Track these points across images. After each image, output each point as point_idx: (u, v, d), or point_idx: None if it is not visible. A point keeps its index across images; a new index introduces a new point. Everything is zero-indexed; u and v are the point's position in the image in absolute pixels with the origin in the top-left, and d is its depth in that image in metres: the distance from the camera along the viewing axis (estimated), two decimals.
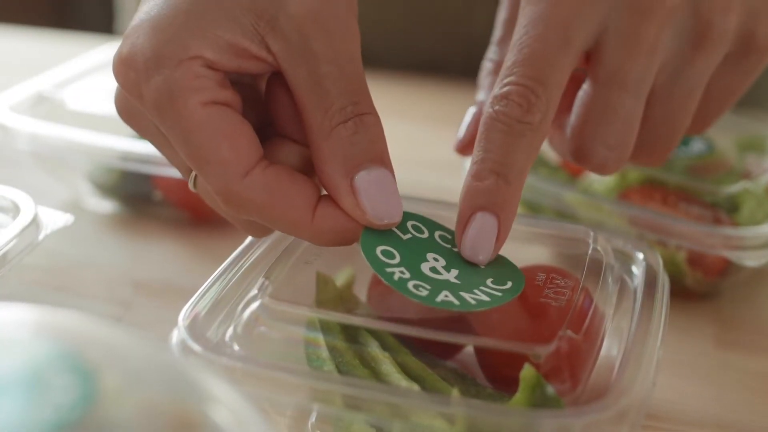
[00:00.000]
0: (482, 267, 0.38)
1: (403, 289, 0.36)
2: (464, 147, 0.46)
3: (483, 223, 0.37)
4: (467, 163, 0.51)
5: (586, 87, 0.41)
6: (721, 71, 0.43)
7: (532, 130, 0.38)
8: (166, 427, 0.27)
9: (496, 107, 0.38)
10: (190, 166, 0.37)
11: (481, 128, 0.38)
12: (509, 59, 0.39)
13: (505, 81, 0.39)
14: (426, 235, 0.39)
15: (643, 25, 0.40)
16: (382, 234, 0.38)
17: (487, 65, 0.48)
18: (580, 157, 0.41)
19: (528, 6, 0.40)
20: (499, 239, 0.38)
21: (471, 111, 0.46)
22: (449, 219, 0.42)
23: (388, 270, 0.37)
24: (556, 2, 0.39)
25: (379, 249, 0.37)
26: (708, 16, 0.41)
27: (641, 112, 0.41)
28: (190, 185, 0.40)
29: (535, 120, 0.38)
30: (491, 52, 0.48)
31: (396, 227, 0.38)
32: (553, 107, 0.39)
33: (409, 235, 0.39)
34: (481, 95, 0.47)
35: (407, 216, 0.39)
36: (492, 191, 0.37)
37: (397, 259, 0.37)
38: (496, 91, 0.39)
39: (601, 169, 0.42)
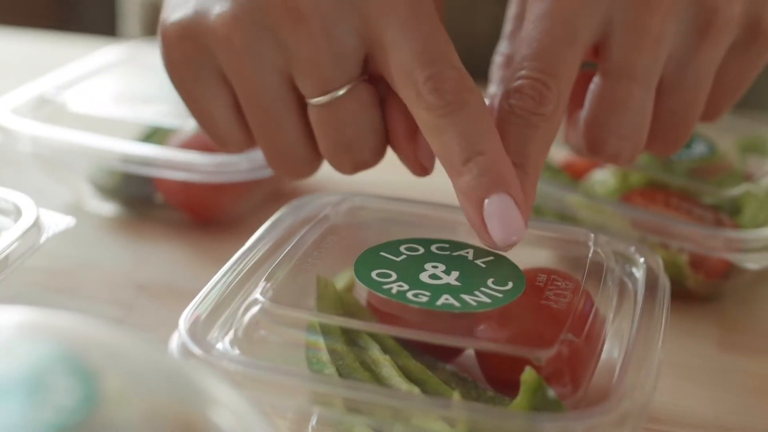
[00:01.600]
0: (484, 267, 0.39)
1: (403, 299, 0.36)
2: None
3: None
4: None
5: (596, 80, 0.42)
6: (730, 59, 0.44)
7: (545, 120, 0.39)
8: (168, 429, 0.27)
9: (510, 101, 0.39)
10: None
11: (496, 122, 0.39)
12: (519, 54, 0.40)
13: (517, 75, 0.40)
14: (422, 251, 0.40)
15: (647, 15, 0.40)
16: (375, 260, 0.39)
17: (497, 59, 0.49)
18: (595, 148, 0.42)
19: (535, 2, 0.41)
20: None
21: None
22: (450, 220, 0.43)
23: (386, 287, 0.37)
24: None
25: (374, 273, 0.38)
26: (712, 3, 0.41)
27: (651, 101, 0.42)
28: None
29: (548, 111, 0.39)
30: (502, 46, 0.50)
31: (388, 253, 0.40)
32: (565, 99, 0.40)
33: (403, 257, 0.39)
34: (492, 88, 0.48)
35: (399, 242, 0.40)
36: None
37: (394, 277, 0.38)
38: (509, 85, 0.40)
39: (616, 160, 0.43)
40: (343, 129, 0.40)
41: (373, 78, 0.41)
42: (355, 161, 0.42)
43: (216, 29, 0.40)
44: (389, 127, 0.41)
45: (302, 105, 0.41)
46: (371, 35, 0.39)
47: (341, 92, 0.40)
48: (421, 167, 0.41)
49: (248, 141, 0.44)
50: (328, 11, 0.39)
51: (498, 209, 0.37)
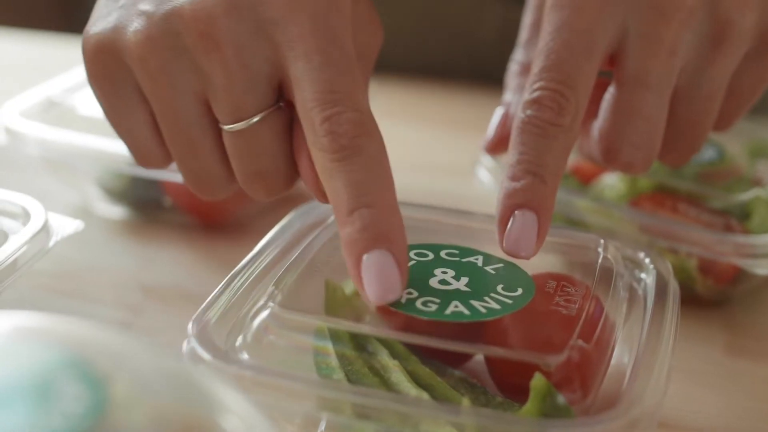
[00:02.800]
0: (493, 273, 0.39)
1: (412, 310, 0.36)
2: (493, 147, 0.48)
3: (524, 219, 0.38)
4: (479, 167, 0.52)
5: (611, 89, 0.43)
6: (743, 69, 0.44)
7: (563, 131, 0.39)
8: None
9: (528, 112, 0.39)
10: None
11: (514, 132, 0.40)
12: (537, 65, 0.40)
13: (535, 86, 0.40)
14: (431, 257, 0.40)
15: (662, 26, 0.41)
16: None
17: (513, 67, 0.49)
18: (609, 157, 0.43)
19: (552, 12, 0.41)
20: (540, 236, 0.38)
21: (499, 112, 0.47)
22: (459, 226, 0.42)
23: None
24: (579, 8, 0.40)
25: None
26: (726, 15, 0.42)
27: (665, 111, 0.42)
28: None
29: (566, 122, 0.39)
30: (518, 54, 0.50)
31: None
32: (582, 109, 0.40)
33: (412, 262, 0.39)
34: (507, 96, 0.49)
35: (408, 247, 0.39)
36: (529, 190, 0.38)
37: None
38: (527, 96, 0.40)
39: (630, 168, 0.43)
40: (256, 156, 0.40)
41: (288, 104, 0.40)
42: (268, 188, 0.41)
43: (131, 48, 0.39)
44: (295, 151, 0.40)
45: (219, 128, 0.40)
46: (281, 65, 0.38)
47: (254, 120, 0.39)
48: (323, 195, 0.39)
49: (168, 158, 0.43)
50: (241, 39, 0.38)
51: (375, 266, 0.36)
